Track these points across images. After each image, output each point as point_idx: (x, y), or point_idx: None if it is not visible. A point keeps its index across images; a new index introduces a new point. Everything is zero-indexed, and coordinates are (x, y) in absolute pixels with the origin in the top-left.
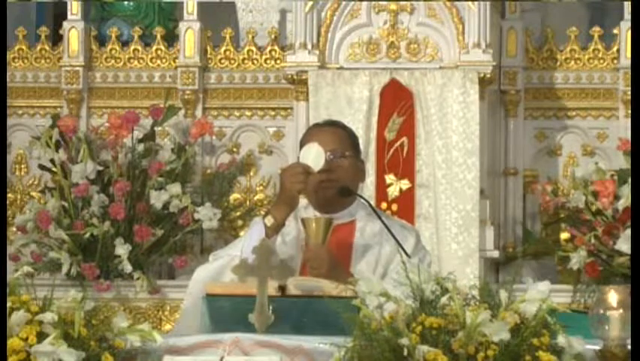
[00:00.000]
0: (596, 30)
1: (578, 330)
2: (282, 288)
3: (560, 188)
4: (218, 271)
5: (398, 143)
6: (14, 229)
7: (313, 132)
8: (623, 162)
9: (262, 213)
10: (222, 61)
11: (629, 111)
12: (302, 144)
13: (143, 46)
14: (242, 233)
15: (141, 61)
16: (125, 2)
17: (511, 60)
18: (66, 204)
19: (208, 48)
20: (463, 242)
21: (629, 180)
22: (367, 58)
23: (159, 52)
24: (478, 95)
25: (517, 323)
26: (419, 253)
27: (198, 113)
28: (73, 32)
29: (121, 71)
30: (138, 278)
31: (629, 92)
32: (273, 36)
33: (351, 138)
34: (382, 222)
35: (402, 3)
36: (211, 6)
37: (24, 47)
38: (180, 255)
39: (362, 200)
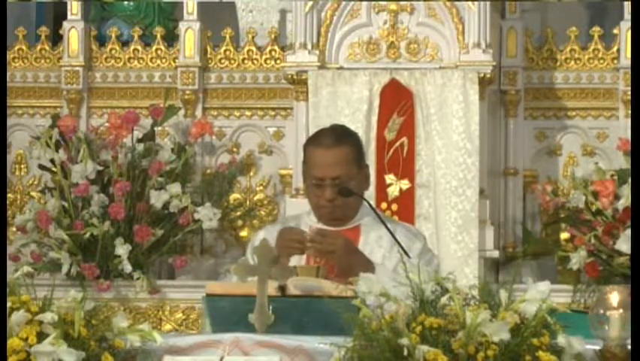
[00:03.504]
0: (596, 30)
1: (578, 330)
2: (282, 288)
3: (560, 188)
4: None
5: (398, 143)
6: (14, 229)
7: (319, 153)
8: (623, 162)
9: (262, 212)
10: (222, 61)
11: (629, 111)
12: (305, 149)
13: (143, 46)
14: (242, 233)
15: (141, 61)
16: (125, 2)
17: (511, 60)
18: (66, 204)
19: (208, 48)
20: (463, 242)
21: (629, 180)
22: (367, 58)
23: (159, 52)
24: (478, 95)
25: (517, 323)
26: (426, 256)
27: (198, 113)
28: (73, 32)
29: (121, 71)
30: (138, 278)
31: (629, 92)
32: (273, 36)
33: (356, 148)
34: (384, 224)
35: (402, 3)
36: (211, 6)
37: (24, 47)
38: (180, 255)
39: (365, 202)
